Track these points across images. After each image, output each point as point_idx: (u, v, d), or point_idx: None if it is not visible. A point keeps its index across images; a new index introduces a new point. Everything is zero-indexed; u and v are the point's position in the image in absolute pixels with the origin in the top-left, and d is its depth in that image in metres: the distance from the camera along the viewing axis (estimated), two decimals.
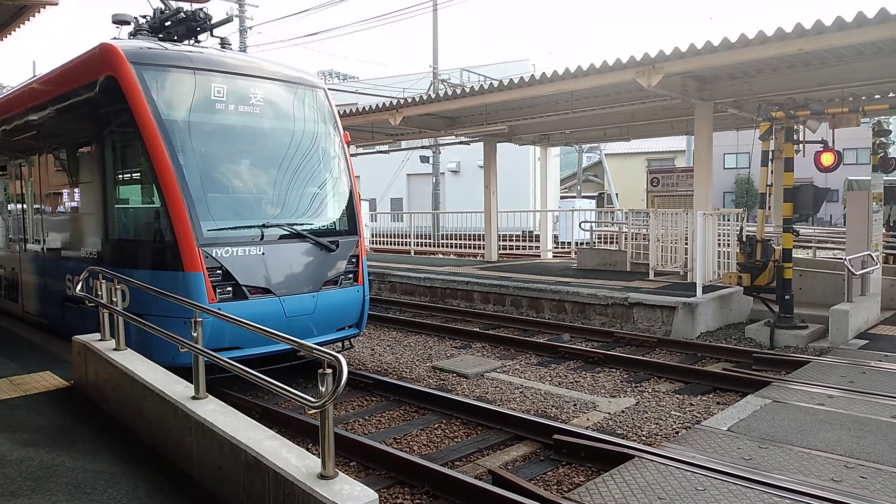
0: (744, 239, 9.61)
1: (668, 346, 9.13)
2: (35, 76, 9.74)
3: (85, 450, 4.50)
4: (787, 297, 9.10)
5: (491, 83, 12.32)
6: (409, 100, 14.06)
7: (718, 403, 6.75)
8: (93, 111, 7.03)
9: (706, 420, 5.75)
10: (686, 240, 11.94)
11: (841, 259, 10.63)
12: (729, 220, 11.84)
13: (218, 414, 4.07)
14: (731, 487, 4.22)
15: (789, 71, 10.29)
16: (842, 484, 4.33)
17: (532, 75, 11.46)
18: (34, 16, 8.81)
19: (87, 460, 4.31)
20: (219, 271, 6.34)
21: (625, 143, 30.97)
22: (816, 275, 11.23)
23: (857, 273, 9.18)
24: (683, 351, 8.91)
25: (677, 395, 7.06)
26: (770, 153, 9.56)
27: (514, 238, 21.34)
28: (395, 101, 14.53)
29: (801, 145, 9.49)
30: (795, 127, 9.28)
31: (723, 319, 10.24)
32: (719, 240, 11.41)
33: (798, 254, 13.02)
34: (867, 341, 8.49)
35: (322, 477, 3.21)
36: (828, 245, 21.94)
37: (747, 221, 13.13)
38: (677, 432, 5.88)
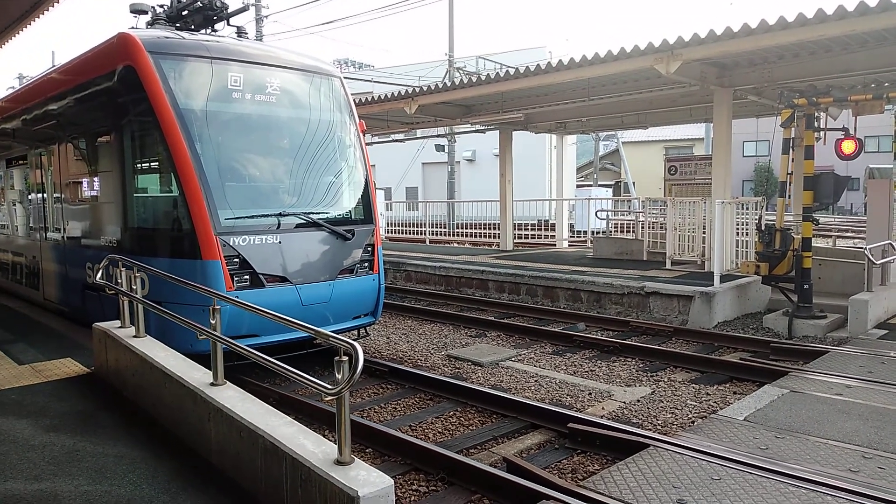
0: (762, 228, 9.51)
1: (684, 336, 9.08)
2: (54, 66, 9.83)
3: (105, 435, 4.58)
4: (805, 286, 9.02)
5: (507, 71, 12.25)
6: (425, 88, 14.02)
7: (735, 393, 6.72)
8: (111, 101, 7.09)
9: (722, 410, 5.73)
10: (704, 229, 11.85)
11: (861, 248, 10.51)
12: (748, 208, 11.72)
13: (236, 400, 4.12)
14: (747, 477, 4.20)
15: (811, 57, 10.13)
16: (859, 474, 4.30)
17: (549, 63, 11.37)
18: (53, 6, 8.88)
19: (108, 445, 4.39)
20: (236, 259, 6.40)
21: (642, 131, 30.71)
22: (836, 264, 11.10)
23: (878, 262, 9.08)
24: (700, 340, 8.86)
25: (693, 385, 7.03)
26: (791, 140, 9.43)
27: (529, 227, 21.28)
28: (410, 90, 14.50)
29: (821, 133, 9.36)
30: (816, 114, 9.15)
31: (740, 309, 10.17)
32: (738, 229, 11.31)
33: (818, 243, 12.87)
34: (887, 331, 8.40)
35: (338, 463, 3.24)
36: (848, 234, 21.68)
37: (766, 210, 12.97)
38: (693, 422, 5.87)
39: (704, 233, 11.82)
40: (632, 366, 7.85)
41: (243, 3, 8.41)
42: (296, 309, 6.51)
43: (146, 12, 8.29)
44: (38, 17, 9.41)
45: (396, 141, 21.61)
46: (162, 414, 4.84)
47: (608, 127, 20.62)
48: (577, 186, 33.15)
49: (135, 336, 5.49)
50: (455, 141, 28.62)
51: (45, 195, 9.08)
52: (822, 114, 9.55)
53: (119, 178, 7.05)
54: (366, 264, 7.49)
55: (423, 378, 7.08)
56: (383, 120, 16.67)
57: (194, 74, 6.75)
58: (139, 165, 7.06)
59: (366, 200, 7.77)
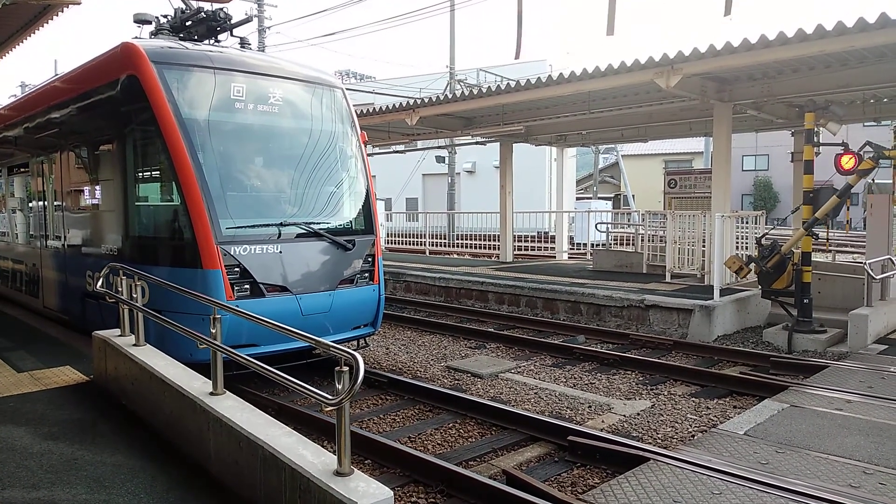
0: (763, 243, 9.46)
1: (684, 349, 9.07)
2: (57, 75, 9.87)
3: (104, 444, 4.56)
4: (805, 300, 9.01)
5: (508, 83, 12.30)
6: (426, 100, 14.07)
7: (735, 407, 6.70)
8: (114, 110, 7.11)
9: (723, 424, 5.71)
10: (703, 242, 11.86)
11: (860, 263, 10.52)
12: (747, 222, 11.74)
13: (236, 410, 4.11)
14: (747, 492, 4.19)
15: (810, 72, 10.18)
16: (860, 490, 4.28)
17: (549, 76, 11.43)
18: (57, 15, 8.93)
19: (107, 454, 4.37)
20: (237, 269, 6.40)
21: (642, 145, 30.81)
22: (836, 279, 11.11)
23: (877, 277, 9.07)
24: (700, 354, 8.85)
25: (693, 399, 7.02)
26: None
27: (529, 239, 21.27)
28: (411, 101, 14.55)
29: (819, 147, 9.38)
30: (816, 129, 9.16)
31: (740, 323, 10.16)
32: (737, 242, 11.32)
33: (817, 257, 12.88)
34: (886, 346, 8.39)
35: (338, 474, 3.23)
36: (847, 249, 21.69)
37: (767, 225, 12.94)
38: (693, 436, 5.85)
39: (704, 246, 11.83)
40: (631, 379, 7.84)
41: (246, 14, 8.48)
42: (296, 319, 6.50)
43: (150, 22, 8.33)
44: (42, 27, 9.46)
45: (397, 152, 21.67)
46: (161, 423, 4.82)
47: (608, 140, 20.69)
48: (577, 199, 33.18)
49: (134, 345, 5.48)
50: (455, 152, 28.70)
51: (46, 203, 9.09)
52: (820, 128, 9.58)
53: (121, 187, 7.06)
54: (366, 274, 7.49)
55: (422, 389, 7.06)
56: (384, 131, 16.71)
57: (197, 84, 6.78)
58: (141, 174, 7.07)
59: (366, 211, 7.79)
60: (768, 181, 43.22)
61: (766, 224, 12.79)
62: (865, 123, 15.88)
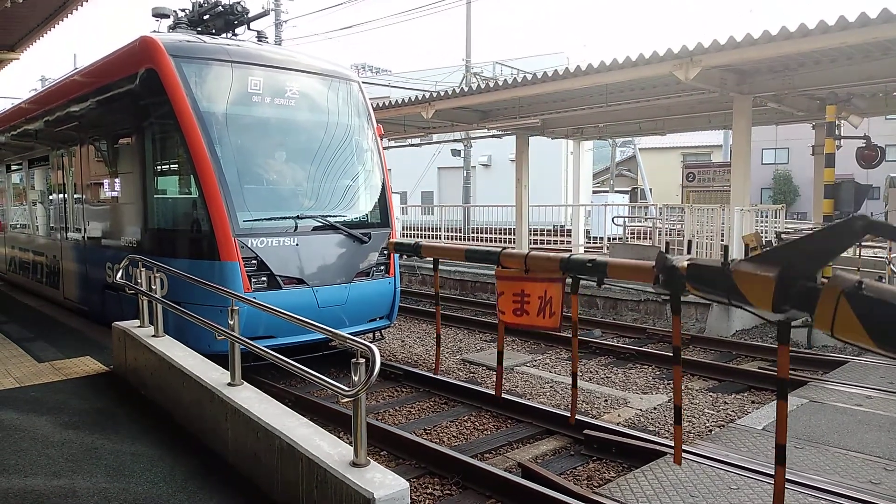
0: (784, 237, 9.35)
1: (702, 344, 9.01)
2: (76, 68, 9.96)
3: (123, 433, 4.62)
4: None
5: (524, 76, 12.24)
6: (442, 93, 14.03)
7: (753, 402, 6.65)
8: (133, 103, 7.17)
9: (741, 419, 5.67)
10: (722, 236, 11.74)
11: (882, 258, 10.38)
12: (767, 216, 11.61)
13: (253, 401, 4.14)
14: (765, 487, 4.15)
15: (832, 65, 10.01)
16: (881, 486, 4.24)
17: (566, 68, 11.34)
18: (77, 9, 9.01)
19: (126, 443, 4.42)
20: (254, 261, 6.44)
21: (659, 138, 30.59)
22: (856, 273, 10.97)
23: None
24: (718, 349, 8.78)
25: (711, 394, 6.97)
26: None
27: (545, 232, 21.18)
28: (427, 95, 14.52)
29: (840, 140, 9.26)
30: (837, 122, 9.03)
31: (759, 317, 10.04)
32: None
33: None
34: None
35: (354, 465, 3.25)
36: (869, 243, 21.39)
37: (786, 219, 12.79)
38: (711, 430, 5.81)
39: (723, 240, 11.71)
40: (648, 373, 7.80)
41: (263, 7, 8.51)
42: (312, 311, 6.54)
43: (168, 16, 8.40)
44: (63, 20, 9.54)
45: (413, 145, 21.68)
46: (179, 413, 4.87)
47: (625, 133, 20.52)
48: (594, 192, 32.98)
49: (153, 335, 5.54)
50: (471, 146, 28.60)
51: (65, 195, 9.19)
52: (842, 121, 9.45)
53: (139, 180, 7.12)
54: (382, 267, 7.51)
55: (437, 382, 7.07)
56: (400, 124, 16.71)
57: (215, 78, 6.82)
58: (159, 167, 7.13)
59: (382, 204, 7.80)
60: (788, 175, 42.68)
61: (786, 218, 12.63)
62: (888, 116, 15.65)
